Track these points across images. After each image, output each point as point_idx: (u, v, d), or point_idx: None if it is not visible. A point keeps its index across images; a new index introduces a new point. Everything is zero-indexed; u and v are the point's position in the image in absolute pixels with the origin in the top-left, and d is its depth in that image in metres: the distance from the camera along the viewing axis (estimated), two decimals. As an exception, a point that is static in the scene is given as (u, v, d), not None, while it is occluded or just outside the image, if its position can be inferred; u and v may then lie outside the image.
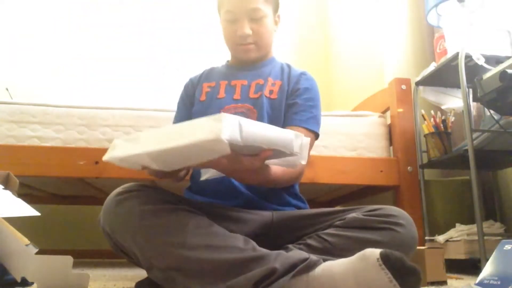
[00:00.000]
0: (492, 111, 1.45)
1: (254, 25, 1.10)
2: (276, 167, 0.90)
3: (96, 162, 1.57)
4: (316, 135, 1.11)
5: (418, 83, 1.87)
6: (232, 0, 1.10)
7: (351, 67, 2.70)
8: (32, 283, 0.87)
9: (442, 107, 1.89)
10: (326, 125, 1.55)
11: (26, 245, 0.78)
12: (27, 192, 2.14)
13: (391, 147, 1.85)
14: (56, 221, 2.44)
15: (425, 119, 1.79)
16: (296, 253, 0.76)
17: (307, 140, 0.80)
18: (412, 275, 0.65)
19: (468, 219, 1.62)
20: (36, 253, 0.78)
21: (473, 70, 1.52)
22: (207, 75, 1.24)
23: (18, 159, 1.55)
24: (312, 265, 0.72)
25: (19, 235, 0.80)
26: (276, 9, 1.17)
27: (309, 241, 0.89)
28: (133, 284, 0.96)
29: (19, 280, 0.80)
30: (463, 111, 1.54)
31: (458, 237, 1.53)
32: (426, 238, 1.69)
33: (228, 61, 1.26)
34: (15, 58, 2.71)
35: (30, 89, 2.60)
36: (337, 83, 2.90)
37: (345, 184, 1.77)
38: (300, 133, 0.78)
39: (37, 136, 1.63)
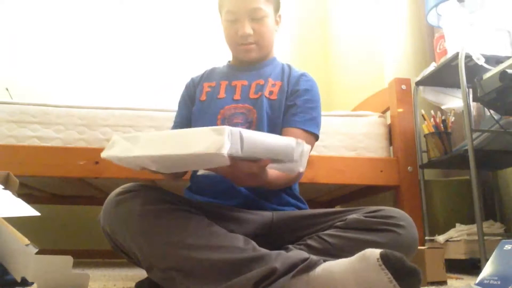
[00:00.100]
0: (492, 111, 1.45)
1: (255, 25, 1.10)
2: (272, 170, 0.90)
3: (96, 162, 1.57)
4: (315, 137, 1.11)
5: (418, 83, 1.87)
6: (233, 0, 1.10)
7: (351, 67, 2.69)
8: (32, 283, 0.87)
9: (442, 107, 1.89)
10: (326, 125, 1.55)
11: (26, 245, 0.78)
12: (27, 192, 2.14)
13: (391, 147, 1.85)
14: (56, 221, 2.44)
15: (425, 119, 1.80)
16: (296, 253, 0.76)
17: (308, 147, 0.80)
18: (412, 275, 0.65)
19: (468, 219, 1.62)
20: (36, 253, 0.78)
21: (473, 70, 1.52)
22: (208, 75, 1.24)
23: (18, 159, 1.55)
24: (312, 265, 0.72)
25: (19, 235, 0.80)
26: (277, 9, 1.17)
27: (310, 242, 0.89)
28: (133, 284, 0.96)
29: (19, 280, 0.80)
30: (463, 111, 1.54)
31: (458, 237, 1.53)
32: (426, 238, 1.69)
33: (229, 61, 1.25)
34: (15, 58, 2.71)
35: (30, 89, 2.60)
36: (337, 83, 2.90)
37: (345, 184, 1.77)
38: (301, 139, 0.78)
39: (37, 136, 1.63)
